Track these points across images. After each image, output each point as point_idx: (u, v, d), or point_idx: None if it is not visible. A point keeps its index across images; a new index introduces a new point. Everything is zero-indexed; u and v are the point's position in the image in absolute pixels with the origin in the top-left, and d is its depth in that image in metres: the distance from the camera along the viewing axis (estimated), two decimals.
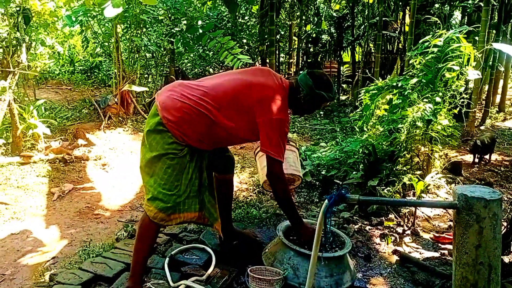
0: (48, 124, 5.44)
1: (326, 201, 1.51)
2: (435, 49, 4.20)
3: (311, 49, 13.11)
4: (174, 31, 7.67)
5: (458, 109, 4.30)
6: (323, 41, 12.88)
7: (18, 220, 3.62)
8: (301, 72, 11.19)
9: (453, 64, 4.09)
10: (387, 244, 3.34)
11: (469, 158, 5.99)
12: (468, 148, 5.85)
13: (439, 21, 6.48)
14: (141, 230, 2.37)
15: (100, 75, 9.77)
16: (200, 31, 6.94)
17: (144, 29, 7.73)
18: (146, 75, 9.30)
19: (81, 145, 5.50)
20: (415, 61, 4.44)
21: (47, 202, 4.02)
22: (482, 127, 8.57)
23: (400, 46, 10.88)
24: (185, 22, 7.70)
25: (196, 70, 11.05)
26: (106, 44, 8.15)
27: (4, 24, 5.06)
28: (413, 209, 3.72)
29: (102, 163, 5.14)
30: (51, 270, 2.80)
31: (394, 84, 4.54)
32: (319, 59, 13.18)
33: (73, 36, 10.59)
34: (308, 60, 13.22)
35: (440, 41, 4.20)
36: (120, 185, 4.57)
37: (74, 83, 8.99)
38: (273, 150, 2.33)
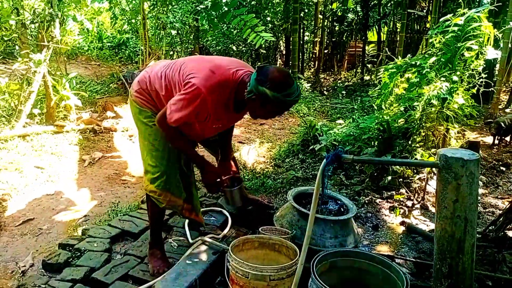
0: (79, 96, 5.74)
1: (324, 160, 1.67)
2: (456, 28, 4.22)
3: (336, 28, 13.03)
4: (199, 9, 7.82)
5: (481, 89, 4.31)
6: (349, 20, 12.77)
7: (52, 182, 3.94)
8: (325, 51, 11.13)
9: (472, 44, 4.11)
10: (396, 216, 3.50)
11: (490, 139, 5.99)
12: (493, 131, 5.79)
13: (465, 1, 6.36)
14: (147, 201, 2.56)
15: (127, 51, 10.03)
16: (225, 8, 7.05)
17: (170, 7, 7.89)
18: (171, 52, 9.52)
19: (110, 117, 5.80)
20: (435, 40, 4.46)
21: (79, 168, 4.33)
22: (507, 110, 8.45)
23: (428, 26, 10.68)
24: None
25: (219, 47, 11.19)
26: (133, 21, 8.37)
27: (39, 0, 5.32)
28: (424, 184, 3.85)
29: (129, 134, 5.42)
30: (83, 226, 3.09)
31: (413, 63, 4.59)
32: (344, 38, 13.11)
33: (101, 13, 10.85)
34: (333, 39, 13.16)
35: (461, 20, 4.20)
36: None
37: (103, 59, 9.29)
38: (171, 108, 2.13)
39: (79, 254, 2.59)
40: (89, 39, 10.43)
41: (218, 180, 2.50)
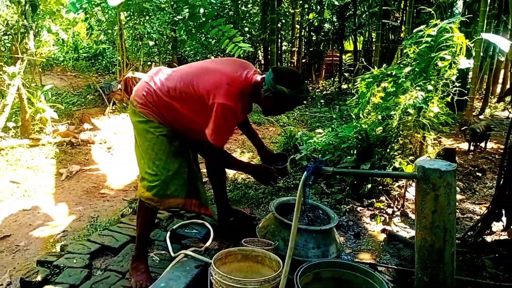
0: (55, 108, 5.63)
1: (305, 172, 1.69)
2: (429, 39, 4.33)
3: (314, 38, 13.22)
4: (177, 19, 7.80)
5: (455, 98, 4.43)
6: (325, 30, 12.99)
7: (29, 197, 3.85)
8: (303, 61, 11.29)
9: (445, 54, 4.23)
10: (377, 223, 3.54)
11: (465, 146, 6.12)
12: (467, 137, 5.93)
13: (437, 12, 6.56)
14: (138, 209, 2.55)
15: (104, 62, 9.93)
16: (203, 19, 7.06)
17: (147, 17, 7.86)
18: (149, 63, 9.46)
19: (87, 129, 5.71)
20: (410, 50, 4.58)
21: (56, 182, 4.24)
22: (481, 116, 8.68)
23: (402, 36, 10.95)
24: (187, 10, 7.83)
25: (198, 57, 11.19)
26: (110, 31, 8.30)
27: (12, 12, 5.22)
28: (403, 191, 3.91)
29: (107, 146, 5.35)
30: (61, 241, 3.01)
31: (389, 72, 4.69)
32: (321, 48, 13.30)
33: (77, 23, 10.72)
34: (310, 49, 13.33)
35: (434, 31, 4.33)
36: (124, 167, 4.77)
37: (79, 70, 9.16)
38: (211, 134, 2.28)
39: (58, 271, 2.52)
40: (64, 50, 10.28)
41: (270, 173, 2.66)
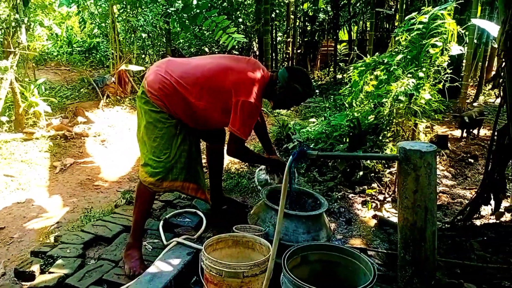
0: (49, 102, 5.63)
1: (291, 157, 1.72)
2: (420, 26, 4.35)
3: (308, 28, 13.16)
4: (170, 11, 7.77)
5: (447, 85, 4.45)
6: (320, 20, 12.94)
7: (23, 190, 3.87)
8: (298, 51, 11.27)
9: (437, 40, 4.25)
10: (368, 209, 3.58)
11: (458, 133, 6.17)
12: (457, 125, 5.98)
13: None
14: (138, 193, 2.61)
15: (98, 55, 9.89)
16: (196, 10, 7.03)
17: (140, 9, 7.83)
18: (143, 55, 9.43)
19: (81, 122, 5.72)
20: (401, 38, 4.59)
21: (50, 175, 4.26)
22: (475, 104, 8.70)
23: (397, 24, 10.92)
24: (180, 1, 7.80)
25: (192, 49, 11.16)
26: (103, 25, 8.26)
27: (4, 6, 5.20)
28: (394, 177, 3.95)
29: (101, 139, 5.36)
30: (55, 233, 3.04)
31: (381, 60, 4.71)
32: (316, 38, 13.25)
33: (70, 17, 10.66)
34: (305, 39, 13.28)
35: (425, 17, 4.34)
36: (118, 160, 4.80)
37: (73, 64, 9.13)
38: (239, 128, 2.46)
39: (51, 261, 2.55)
40: (58, 44, 10.23)
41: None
